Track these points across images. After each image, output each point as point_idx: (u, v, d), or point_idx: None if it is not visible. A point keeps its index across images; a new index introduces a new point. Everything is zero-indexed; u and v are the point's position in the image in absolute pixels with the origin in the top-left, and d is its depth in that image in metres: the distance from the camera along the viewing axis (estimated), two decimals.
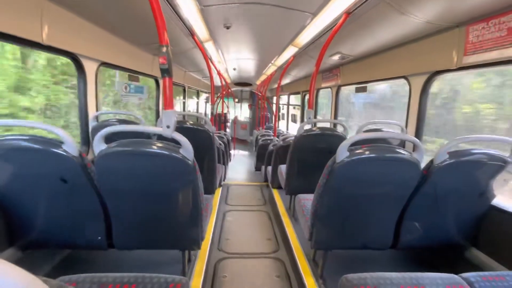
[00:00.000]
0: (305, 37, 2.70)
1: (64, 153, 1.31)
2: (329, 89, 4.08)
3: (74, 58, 2.11)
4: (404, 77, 2.37)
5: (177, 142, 1.38)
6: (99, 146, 1.35)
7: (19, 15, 1.54)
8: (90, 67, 2.26)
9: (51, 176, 1.38)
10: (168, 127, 1.39)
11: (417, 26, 1.85)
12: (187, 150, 1.36)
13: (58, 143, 1.32)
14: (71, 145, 1.32)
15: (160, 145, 1.35)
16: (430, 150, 2.49)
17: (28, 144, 1.29)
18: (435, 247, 1.85)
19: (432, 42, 2.01)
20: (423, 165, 1.51)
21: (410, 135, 1.94)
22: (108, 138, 1.37)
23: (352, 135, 1.53)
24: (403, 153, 1.41)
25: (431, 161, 1.49)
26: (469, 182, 1.53)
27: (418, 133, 2.24)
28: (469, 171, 1.48)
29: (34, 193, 1.45)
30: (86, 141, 2.34)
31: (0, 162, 1.32)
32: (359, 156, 1.39)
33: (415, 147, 1.47)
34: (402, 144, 2.46)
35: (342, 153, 1.42)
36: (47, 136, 1.39)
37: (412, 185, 1.50)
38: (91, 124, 2.32)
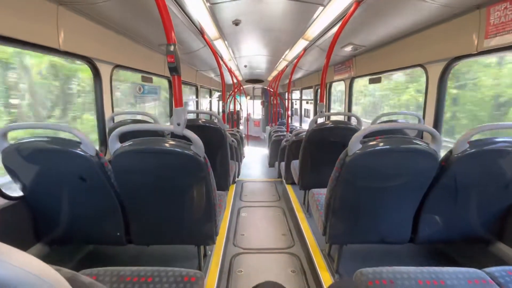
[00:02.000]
0: (315, 30, 2.65)
1: (82, 153, 1.37)
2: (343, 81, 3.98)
3: (90, 62, 2.19)
4: (421, 65, 2.27)
5: (189, 139, 1.40)
6: (114, 145, 1.40)
7: (36, 22, 1.61)
8: (105, 70, 2.34)
9: (71, 175, 1.45)
10: (178, 124, 1.41)
11: (433, 10, 1.76)
12: (198, 146, 1.38)
13: (77, 144, 1.38)
14: (88, 145, 1.38)
15: (171, 142, 1.38)
16: None
17: (50, 145, 1.36)
18: (457, 242, 1.77)
19: (449, 27, 1.91)
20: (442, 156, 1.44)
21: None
22: (124, 138, 1.41)
23: (365, 127, 1.49)
24: (419, 143, 1.36)
25: (450, 152, 1.43)
26: (492, 173, 1.45)
27: (436, 124, 2.15)
28: (492, 161, 1.40)
29: (57, 191, 1.53)
30: (104, 141, 2.44)
31: (26, 162, 1.40)
32: (372, 148, 1.35)
33: (432, 138, 1.41)
34: (420, 135, 2.36)
35: (354, 145, 1.38)
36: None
37: (430, 177, 1.44)
38: (108, 125, 2.41)
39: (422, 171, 1.42)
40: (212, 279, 1.77)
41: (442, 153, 1.46)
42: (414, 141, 1.36)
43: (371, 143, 1.38)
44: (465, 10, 1.74)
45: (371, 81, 3.20)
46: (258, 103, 11.22)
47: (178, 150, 1.35)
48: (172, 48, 1.32)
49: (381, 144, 1.36)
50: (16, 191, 1.55)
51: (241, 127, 10.34)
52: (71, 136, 1.41)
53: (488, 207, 1.58)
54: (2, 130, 1.37)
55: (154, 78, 3.46)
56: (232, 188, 3.73)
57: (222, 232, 2.39)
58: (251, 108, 11.15)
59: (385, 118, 2.79)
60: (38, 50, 1.69)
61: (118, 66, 2.52)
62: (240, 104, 10.45)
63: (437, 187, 1.48)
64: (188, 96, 6.26)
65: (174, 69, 1.35)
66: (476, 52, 1.72)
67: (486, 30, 1.63)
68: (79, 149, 1.37)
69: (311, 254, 2.05)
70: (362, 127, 2.42)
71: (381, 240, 1.67)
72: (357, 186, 1.49)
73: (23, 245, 1.56)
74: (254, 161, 6.37)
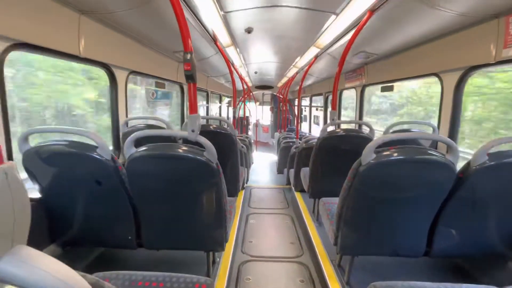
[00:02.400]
0: (327, 38, 2.66)
1: (98, 157, 1.40)
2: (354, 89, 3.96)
3: (106, 68, 2.26)
4: (436, 74, 2.24)
5: (201, 145, 1.41)
6: (129, 150, 1.43)
7: (60, 31, 1.68)
8: (120, 76, 2.40)
9: (87, 178, 1.48)
10: (193, 131, 1.43)
11: (449, 19, 1.74)
12: (211, 153, 1.40)
13: (93, 148, 1.42)
14: (104, 149, 1.41)
15: (185, 148, 1.40)
16: None
17: (68, 148, 1.40)
18: (474, 257, 1.71)
19: (466, 36, 1.88)
20: (458, 167, 1.40)
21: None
22: (138, 143, 1.44)
23: (378, 136, 1.47)
24: (435, 154, 1.33)
25: (468, 164, 1.39)
26: None
27: (452, 134, 2.10)
28: None
29: (73, 194, 1.56)
30: (118, 145, 2.49)
31: (44, 165, 1.44)
32: (386, 158, 1.33)
33: (449, 149, 1.38)
34: (434, 145, 2.31)
35: (368, 155, 1.36)
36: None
37: (446, 189, 1.40)
38: (122, 129, 2.46)
39: (438, 182, 1.38)
40: (221, 286, 1.76)
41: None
42: (430, 152, 1.33)
43: (385, 153, 1.36)
44: (482, 19, 1.71)
45: (383, 89, 3.17)
46: (267, 109, 11.26)
47: (191, 156, 1.36)
48: (189, 56, 1.35)
49: (396, 154, 1.34)
50: None
51: (249, 132, 10.37)
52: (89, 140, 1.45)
53: (508, 222, 1.52)
54: (24, 133, 1.42)
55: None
56: (241, 194, 3.72)
57: (231, 238, 2.38)
58: (260, 114, 11.19)
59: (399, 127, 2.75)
60: (61, 56, 1.76)
61: (133, 72, 2.59)
62: (249, 110, 10.51)
63: (454, 199, 1.44)
64: (199, 101, 6.35)
65: (190, 77, 1.38)
66: (494, 62, 1.68)
67: (505, 40, 1.59)
68: (95, 153, 1.40)
69: (320, 264, 2.01)
70: (375, 137, 2.39)
71: (394, 252, 1.63)
72: (370, 197, 1.47)
73: (38, 246, 1.58)
74: (263, 168, 6.36)
